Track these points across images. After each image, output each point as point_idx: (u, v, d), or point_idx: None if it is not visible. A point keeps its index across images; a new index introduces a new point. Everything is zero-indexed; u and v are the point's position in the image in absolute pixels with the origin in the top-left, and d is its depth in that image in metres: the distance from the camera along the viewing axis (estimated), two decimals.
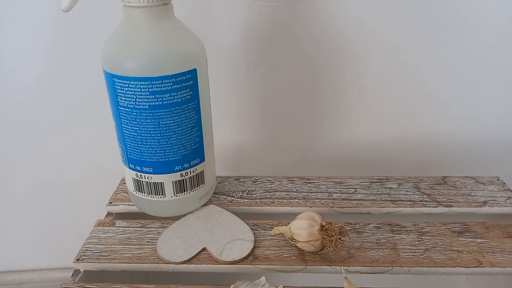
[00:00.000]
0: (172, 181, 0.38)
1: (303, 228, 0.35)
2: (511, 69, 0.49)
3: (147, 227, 0.40)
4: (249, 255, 0.36)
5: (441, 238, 0.38)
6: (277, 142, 0.55)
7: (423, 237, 0.38)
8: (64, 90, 0.51)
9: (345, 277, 0.33)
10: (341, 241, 0.35)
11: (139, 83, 0.34)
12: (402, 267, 0.35)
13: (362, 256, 0.36)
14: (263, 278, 0.33)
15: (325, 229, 0.35)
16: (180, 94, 0.35)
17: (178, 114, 0.36)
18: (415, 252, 0.37)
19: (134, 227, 0.40)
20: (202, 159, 0.40)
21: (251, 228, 0.39)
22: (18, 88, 0.50)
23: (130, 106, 0.35)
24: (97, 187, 0.52)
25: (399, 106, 0.52)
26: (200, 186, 0.41)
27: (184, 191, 0.40)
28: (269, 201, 0.43)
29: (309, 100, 0.52)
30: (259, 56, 0.49)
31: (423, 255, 0.36)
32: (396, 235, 0.39)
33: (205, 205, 0.42)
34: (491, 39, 0.48)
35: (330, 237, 0.35)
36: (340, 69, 0.50)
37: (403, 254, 0.36)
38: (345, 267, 0.35)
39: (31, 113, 0.52)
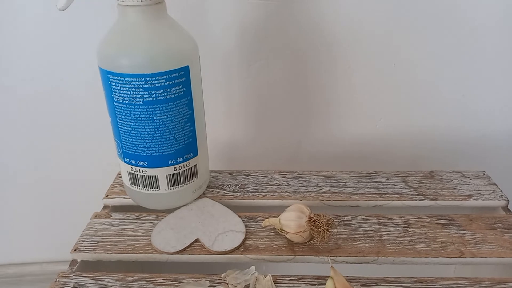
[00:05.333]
0: (166, 175, 0.40)
1: (292, 219, 0.37)
2: (499, 67, 0.51)
3: (142, 219, 0.42)
4: (240, 245, 0.38)
5: (426, 230, 0.39)
6: (270, 138, 0.56)
7: (408, 229, 0.40)
8: (61, 87, 0.52)
9: (331, 266, 0.34)
10: (328, 232, 0.36)
11: (133, 79, 0.35)
12: (387, 257, 0.37)
13: (349, 247, 0.38)
14: (253, 267, 0.35)
15: (313, 221, 0.36)
16: (173, 90, 0.36)
17: (171, 109, 0.37)
18: (400, 243, 0.38)
19: (130, 219, 0.42)
20: (195, 153, 0.41)
21: (243, 220, 0.40)
22: (16, 87, 0.52)
23: (124, 102, 0.36)
24: (94, 181, 0.53)
25: (390, 103, 0.54)
26: (193, 179, 0.42)
27: (178, 185, 0.41)
28: (261, 195, 0.44)
29: (301, 96, 0.53)
30: (251, 53, 0.50)
31: (407, 246, 0.38)
32: (382, 227, 0.40)
33: (198, 198, 0.44)
34: (480, 37, 0.49)
35: (318, 229, 0.36)
36: (332, 66, 0.51)
37: (389, 245, 0.38)
38: (332, 257, 0.36)
39: (30, 110, 0.53)
